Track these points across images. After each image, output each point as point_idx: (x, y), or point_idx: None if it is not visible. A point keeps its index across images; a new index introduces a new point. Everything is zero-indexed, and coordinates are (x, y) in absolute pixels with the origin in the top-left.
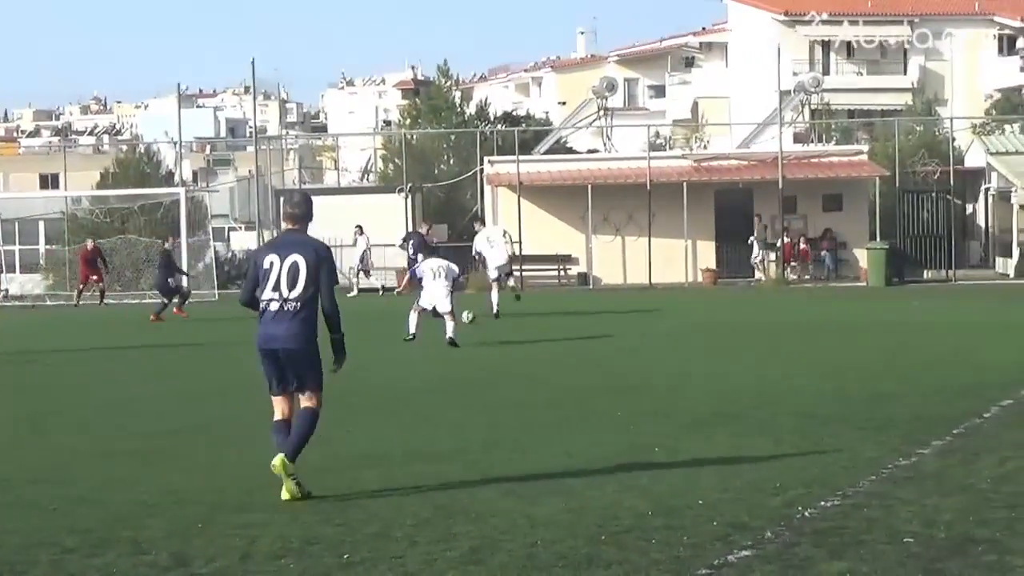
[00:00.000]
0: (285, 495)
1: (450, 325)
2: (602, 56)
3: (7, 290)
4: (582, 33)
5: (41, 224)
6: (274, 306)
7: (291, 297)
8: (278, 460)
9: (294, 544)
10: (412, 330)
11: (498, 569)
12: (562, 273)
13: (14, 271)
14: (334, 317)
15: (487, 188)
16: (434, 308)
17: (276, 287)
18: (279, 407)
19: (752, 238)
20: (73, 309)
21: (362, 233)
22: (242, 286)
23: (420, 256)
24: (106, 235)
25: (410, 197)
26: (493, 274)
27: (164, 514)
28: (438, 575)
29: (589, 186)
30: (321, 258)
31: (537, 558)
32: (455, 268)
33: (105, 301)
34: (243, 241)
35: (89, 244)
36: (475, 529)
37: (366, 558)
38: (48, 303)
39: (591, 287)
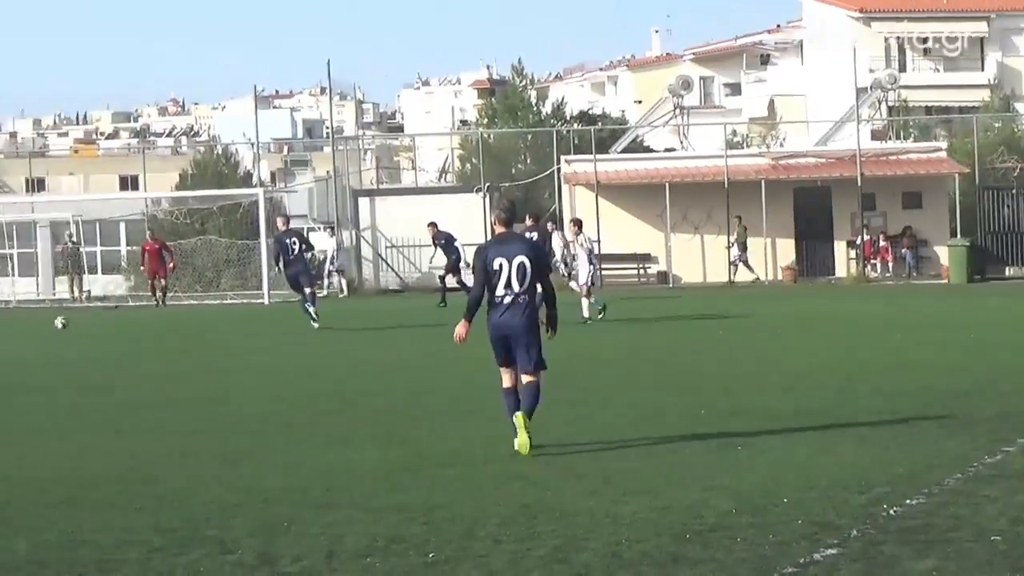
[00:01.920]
0: (518, 447)
1: None
2: (677, 55)
3: (89, 291)
4: (657, 32)
5: (122, 225)
6: (507, 300)
7: (520, 292)
8: (519, 417)
9: (379, 543)
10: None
11: (583, 567)
12: (641, 272)
13: (96, 272)
14: (552, 297)
15: (564, 187)
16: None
17: (508, 284)
18: (507, 377)
19: (732, 239)
20: (155, 309)
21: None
22: (472, 284)
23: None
24: (186, 236)
25: (487, 197)
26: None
27: (248, 513)
28: (523, 574)
29: (667, 184)
30: (539, 255)
31: (622, 557)
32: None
33: (167, 301)
34: (321, 241)
35: (150, 236)
36: (559, 528)
37: (451, 557)
38: (130, 303)
39: (671, 285)
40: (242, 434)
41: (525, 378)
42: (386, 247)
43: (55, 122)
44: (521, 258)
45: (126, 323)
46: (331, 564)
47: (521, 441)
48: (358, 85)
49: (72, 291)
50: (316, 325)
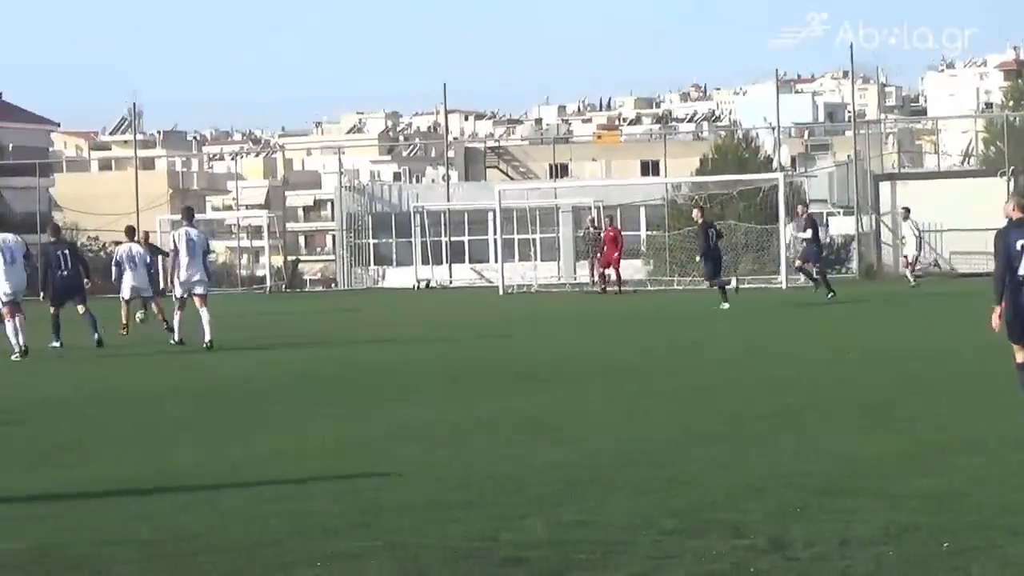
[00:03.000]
0: None
1: None
2: None
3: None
4: None
5: (642, 210)
6: None
7: None
8: None
9: (892, 530)
10: None
11: None
12: None
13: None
14: None
15: None
16: None
17: None
18: (1020, 354)
19: None
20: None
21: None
22: (994, 266)
23: None
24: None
25: (1012, 181)
26: None
27: (761, 498)
28: None
29: None
30: None
31: None
32: None
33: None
34: (842, 226)
35: (608, 223)
36: None
37: (966, 547)
38: (649, 288)
39: None
40: (750, 420)
41: None
42: None
43: (579, 109)
44: None
45: (649, 306)
46: (843, 551)
47: None
48: (881, 68)
49: (592, 276)
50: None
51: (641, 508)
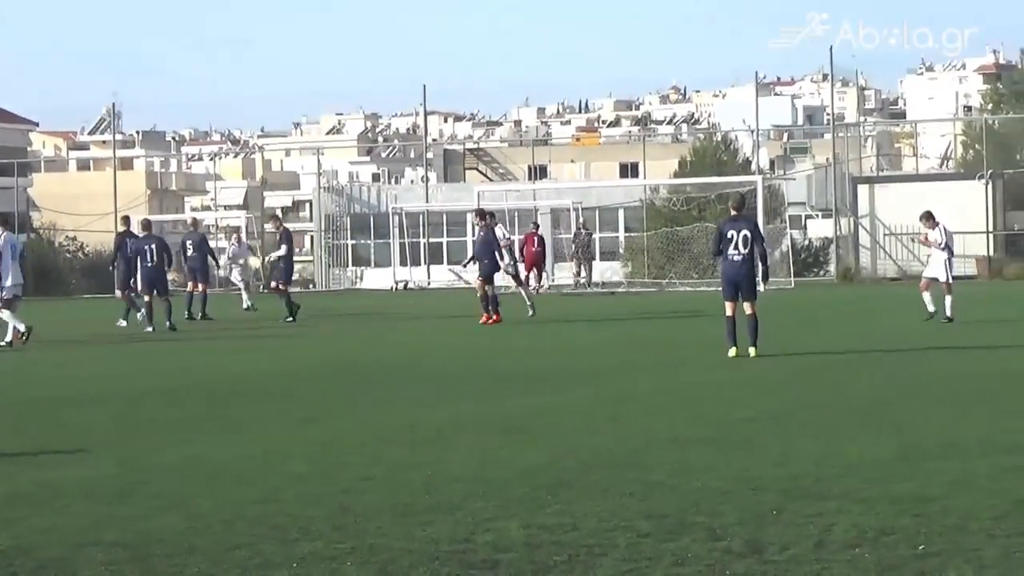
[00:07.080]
0: (733, 355)
1: None
2: None
3: (588, 278)
4: None
5: (621, 212)
6: (736, 258)
7: (744, 253)
8: (752, 351)
9: (869, 534)
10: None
11: None
12: None
13: (594, 258)
14: (764, 258)
15: None
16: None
17: (736, 247)
18: (729, 308)
19: None
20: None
21: None
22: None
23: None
24: (684, 223)
25: (990, 184)
26: None
27: (738, 501)
28: (1016, 569)
29: None
30: (756, 230)
31: None
32: None
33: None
34: (820, 229)
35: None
36: None
37: (942, 550)
38: (625, 289)
39: None
40: (734, 422)
41: (748, 309)
42: (884, 235)
43: (558, 111)
44: (745, 232)
45: (629, 308)
46: (819, 554)
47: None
48: (861, 71)
49: (578, 277)
50: None
51: (618, 511)
